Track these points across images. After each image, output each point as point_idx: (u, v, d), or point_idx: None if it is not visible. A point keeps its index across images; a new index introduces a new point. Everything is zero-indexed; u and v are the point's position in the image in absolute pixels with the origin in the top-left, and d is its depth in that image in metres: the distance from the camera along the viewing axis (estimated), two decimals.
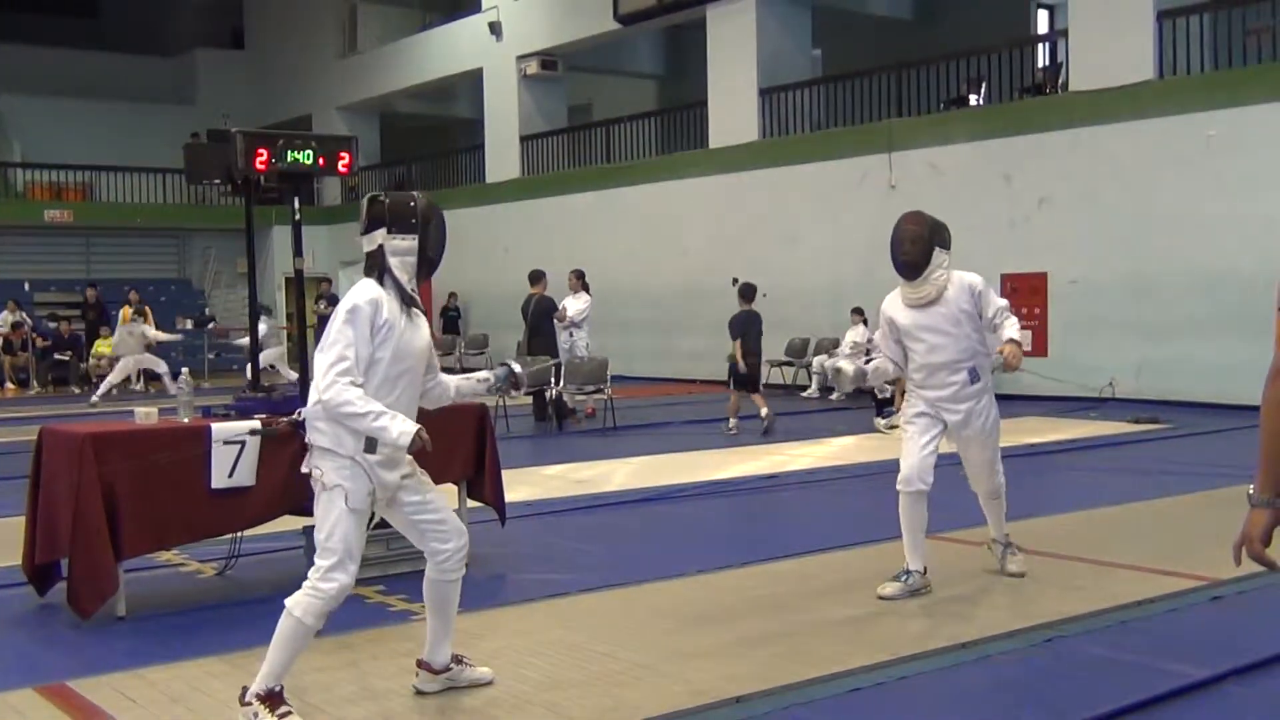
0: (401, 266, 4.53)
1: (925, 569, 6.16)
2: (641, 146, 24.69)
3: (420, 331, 4.60)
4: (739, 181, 21.51)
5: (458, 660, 4.85)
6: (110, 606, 6.01)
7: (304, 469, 4.49)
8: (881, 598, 6.01)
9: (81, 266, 29.17)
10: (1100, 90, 16.54)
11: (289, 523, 6.98)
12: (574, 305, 16.35)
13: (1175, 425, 13.85)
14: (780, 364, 19.03)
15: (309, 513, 6.90)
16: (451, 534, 4.65)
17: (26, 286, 26.93)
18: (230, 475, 6.16)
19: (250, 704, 4.31)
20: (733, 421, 14.27)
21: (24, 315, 24.42)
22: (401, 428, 4.28)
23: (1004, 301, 6.24)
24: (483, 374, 5.04)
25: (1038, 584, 6.45)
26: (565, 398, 15.44)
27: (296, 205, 7.93)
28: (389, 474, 4.45)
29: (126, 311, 22.89)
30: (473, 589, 6.84)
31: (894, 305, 6.28)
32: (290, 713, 4.32)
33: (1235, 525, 2.89)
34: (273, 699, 4.30)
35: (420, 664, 4.81)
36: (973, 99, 19.15)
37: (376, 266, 4.54)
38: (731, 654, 5.31)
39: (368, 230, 4.57)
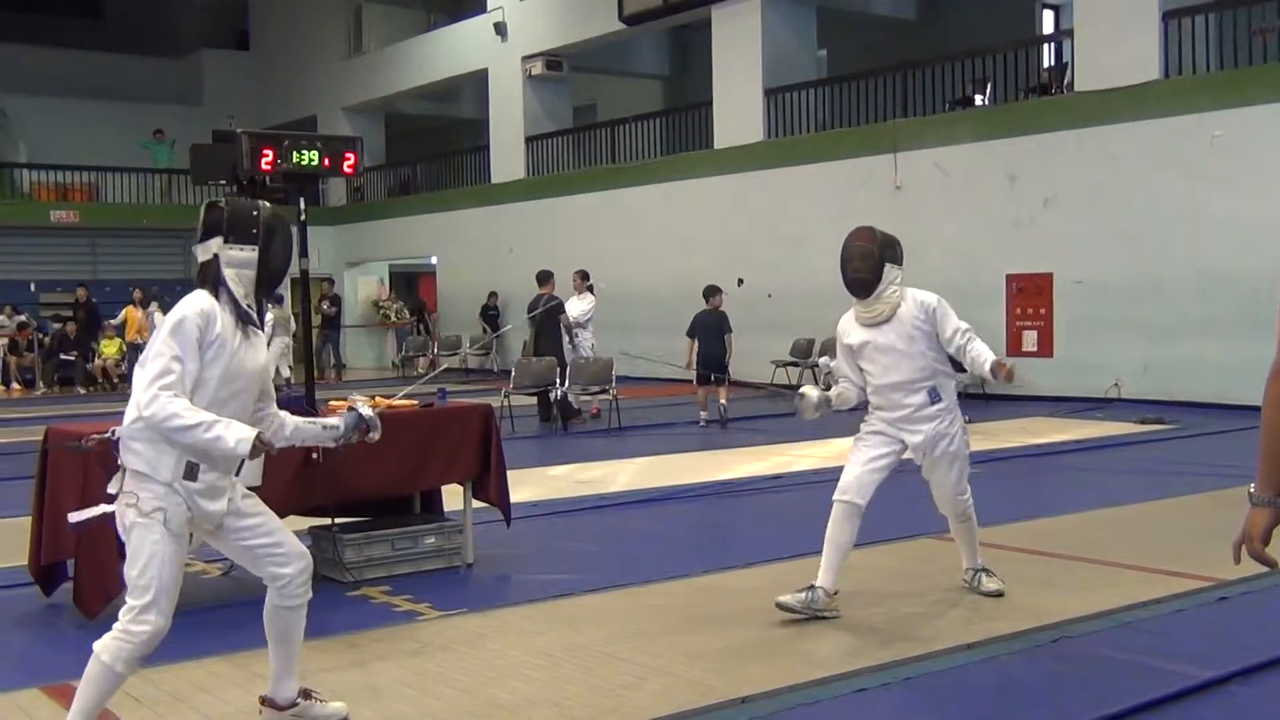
0: (238, 279, 4.19)
1: (836, 591, 5.79)
2: (647, 147, 24.67)
3: (256, 351, 4.25)
4: (744, 182, 21.50)
5: (306, 695, 4.45)
6: (115, 606, 5.98)
7: (111, 491, 4.09)
8: (779, 605, 5.73)
9: (88, 267, 29.18)
10: (1106, 90, 16.52)
11: (295, 523, 6.98)
12: (577, 306, 16.39)
13: (1181, 425, 13.83)
14: (785, 364, 19.02)
15: (316, 513, 6.95)
16: (291, 557, 4.28)
17: (32, 287, 26.98)
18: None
19: None
20: (703, 415, 15.21)
21: (28, 316, 24.48)
22: (239, 434, 3.96)
23: (964, 323, 5.92)
24: (332, 420, 4.61)
25: (1043, 585, 6.44)
26: (570, 398, 15.46)
27: (302, 206, 7.94)
28: (211, 504, 4.10)
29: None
30: (478, 589, 6.87)
31: (848, 325, 6.01)
32: None
33: (1240, 525, 2.89)
34: None
35: (264, 700, 4.44)
36: (978, 99, 19.15)
37: (210, 279, 4.18)
38: (737, 655, 5.31)
39: (203, 238, 4.23)
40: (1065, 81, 17.97)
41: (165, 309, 23.89)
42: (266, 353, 4.37)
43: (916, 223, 18.64)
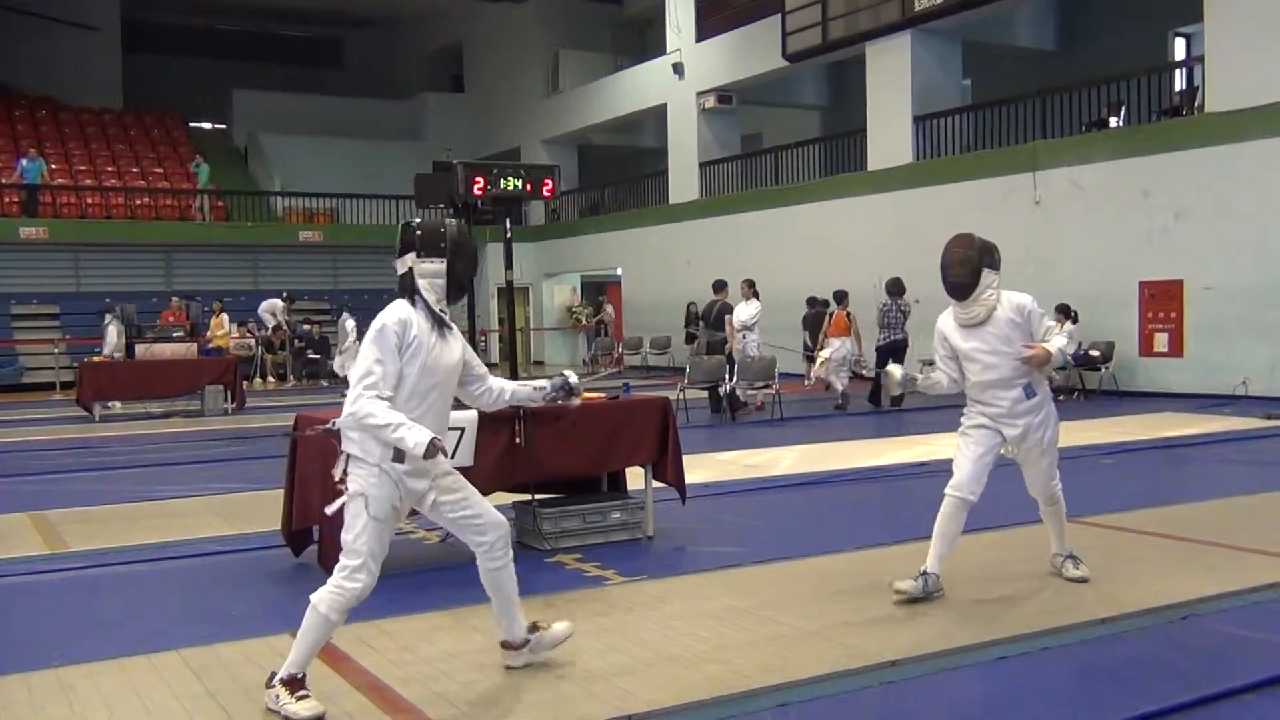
0: (430, 288, 4.30)
1: (939, 575, 5.59)
2: (806, 170, 24.46)
3: (451, 349, 4.33)
4: (895, 200, 21.13)
5: (533, 628, 4.61)
6: None
7: (335, 475, 4.26)
8: (898, 591, 5.53)
9: (329, 279, 30.33)
10: (1234, 111, 15.72)
11: (500, 498, 7.14)
12: (745, 311, 16.34)
13: None
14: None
15: (519, 490, 7.09)
16: (488, 526, 4.41)
17: (284, 295, 28.12)
18: (452, 456, 6.32)
19: (274, 687, 4.16)
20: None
21: (281, 320, 25.51)
22: (417, 437, 4.02)
23: (1051, 322, 5.69)
24: (540, 382, 4.78)
25: (1174, 566, 6.17)
26: (737, 392, 15.45)
27: (508, 225, 8.11)
28: (416, 482, 4.24)
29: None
30: (657, 559, 6.91)
31: (948, 325, 5.79)
32: (307, 696, 4.12)
33: None
34: (294, 683, 4.13)
35: (503, 644, 4.62)
36: (1113, 121, 18.40)
37: (407, 288, 4.32)
38: (886, 622, 5.22)
39: (400, 254, 4.34)
40: (1196, 104, 17.14)
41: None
42: (462, 348, 4.43)
43: (1054, 234, 18.06)
